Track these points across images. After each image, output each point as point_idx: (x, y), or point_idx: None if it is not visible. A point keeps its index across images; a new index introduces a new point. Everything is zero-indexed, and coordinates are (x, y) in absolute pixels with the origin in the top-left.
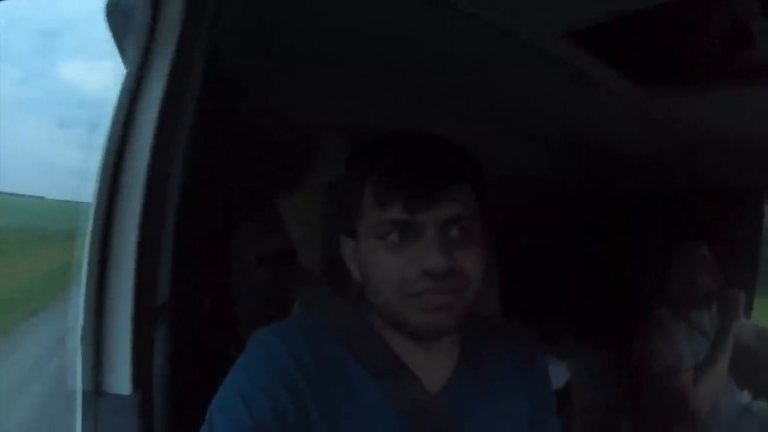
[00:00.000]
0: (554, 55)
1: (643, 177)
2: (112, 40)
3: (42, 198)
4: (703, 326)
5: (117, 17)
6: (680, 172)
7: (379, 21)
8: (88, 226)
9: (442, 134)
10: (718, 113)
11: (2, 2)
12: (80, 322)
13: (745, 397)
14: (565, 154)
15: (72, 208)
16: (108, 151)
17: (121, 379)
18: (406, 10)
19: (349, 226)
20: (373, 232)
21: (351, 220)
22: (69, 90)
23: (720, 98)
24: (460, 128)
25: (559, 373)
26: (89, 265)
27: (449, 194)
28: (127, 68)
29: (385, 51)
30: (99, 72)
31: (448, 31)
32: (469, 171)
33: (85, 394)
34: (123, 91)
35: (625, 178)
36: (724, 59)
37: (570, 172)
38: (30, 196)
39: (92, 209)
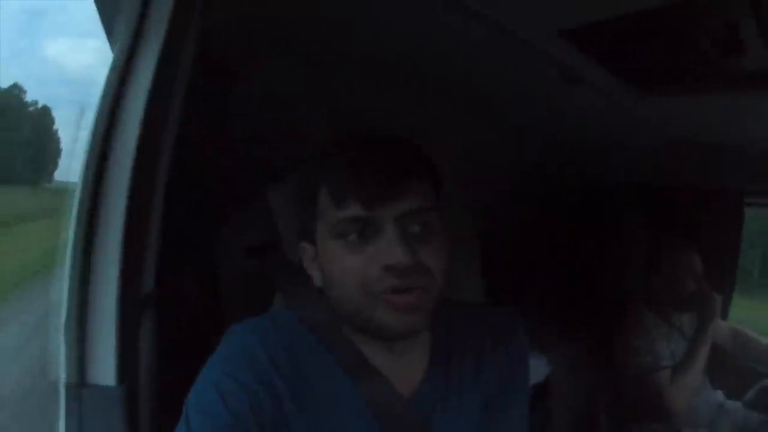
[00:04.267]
0: (546, 52)
1: (630, 174)
2: (99, 19)
3: None
4: (682, 326)
5: None
6: (665, 171)
7: (374, 14)
8: (72, 214)
9: (430, 129)
10: (704, 116)
11: None
12: (63, 312)
13: (720, 396)
14: (552, 150)
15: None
16: (94, 137)
17: (105, 371)
18: (402, 5)
19: (308, 231)
20: (332, 234)
21: (309, 226)
22: (53, 69)
23: (706, 102)
24: (450, 121)
25: (539, 368)
26: (73, 254)
27: (407, 188)
28: (113, 48)
29: (379, 45)
30: (82, 51)
31: (443, 26)
32: (425, 166)
33: (69, 386)
34: (111, 75)
35: (610, 175)
36: (712, 64)
37: (556, 168)
38: None
39: (77, 197)
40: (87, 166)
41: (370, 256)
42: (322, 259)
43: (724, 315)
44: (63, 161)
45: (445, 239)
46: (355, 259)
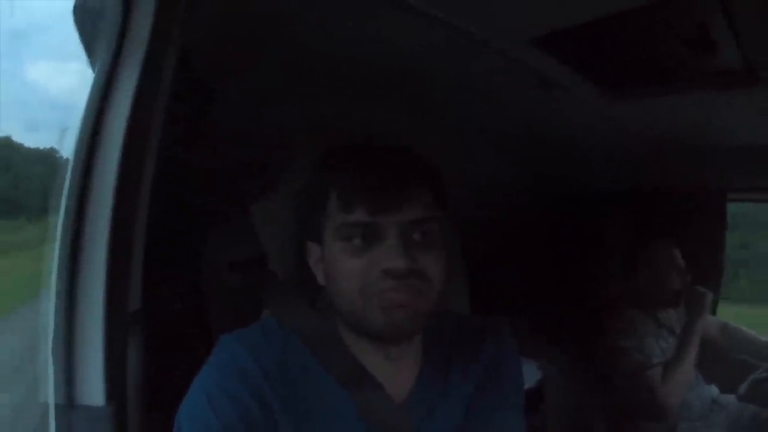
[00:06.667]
0: (521, 61)
1: (609, 178)
2: (79, 39)
3: None
4: (671, 323)
5: (85, 16)
6: (645, 173)
7: (350, 27)
8: (56, 233)
9: (410, 140)
10: (681, 116)
11: None
12: (51, 332)
13: (714, 390)
14: (531, 158)
15: None
16: (77, 156)
17: (94, 391)
18: (378, 17)
19: (315, 231)
20: (337, 236)
21: (317, 226)
22: (36, 92)
23: (682, 102)
24: (429, 132)
25: (530, 373)
26: (59, 273)
27: (410, 198)
28: (93, 68)
29: (356, 57)
30: (67, 74)
31: (417, 38)
32: (430, 177)
33: (58, 407)
34: (92, 94)
35: (592, 179)
36: (685, 64)
37: (536, 175)
38: None
39: (61, 216)
40: (70, 186)
41: (371, 260)
42: (327, 259)
43: (713, 311)
44: None
45: (446, 249)
46: (357, 262)
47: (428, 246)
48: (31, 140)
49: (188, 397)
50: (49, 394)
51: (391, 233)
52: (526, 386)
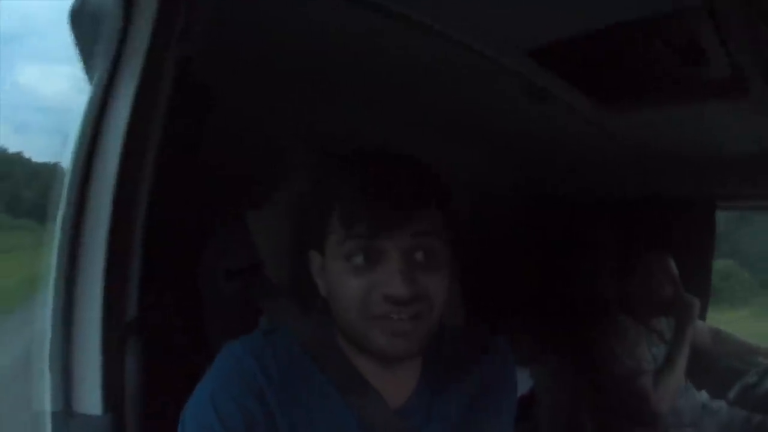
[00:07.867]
0: (515, 71)
1: (603, 187)
2: (74, 44)
3: None
4: (661, 330)
5: (83, 22)
6: (637, 183)
7: (349, 36)
8: (54, 241)
9: (402, 146)
10: (671, 127)
11: None
12: (48, 341)
13: (704, 396)
14: (524, 167)
15: None
16: (75, 163)
17: (91, 399)
18: (376, 27)
19: (318, 242)
20: (339, 253)
21: (319, 237)
22: (25, 94)
23: (673, 113)
24: (425, 141)
25: (522, 381)
26: (56, 281)
27: (415, 219)
28: (88, 74)
29: (355, 65)
30: (56, 77)
31: (414, 47)
32: (438, 196)
33: (55, 416)
34: (91, 100)
35: (585, 188)
36: (677, 76)
37: (530, 184)
38: None
39: (58, 224)
40: (68, 194)
41: (372, 282)
42: (329, 273)
43: (702, 317)
44: None
45: (449, 268)
46: (358, 283)
47: (432, 267)
48: (19, 142)
49: (193, 399)
50: (46, 402)
51: (392, 254)
52: (519, 393)
